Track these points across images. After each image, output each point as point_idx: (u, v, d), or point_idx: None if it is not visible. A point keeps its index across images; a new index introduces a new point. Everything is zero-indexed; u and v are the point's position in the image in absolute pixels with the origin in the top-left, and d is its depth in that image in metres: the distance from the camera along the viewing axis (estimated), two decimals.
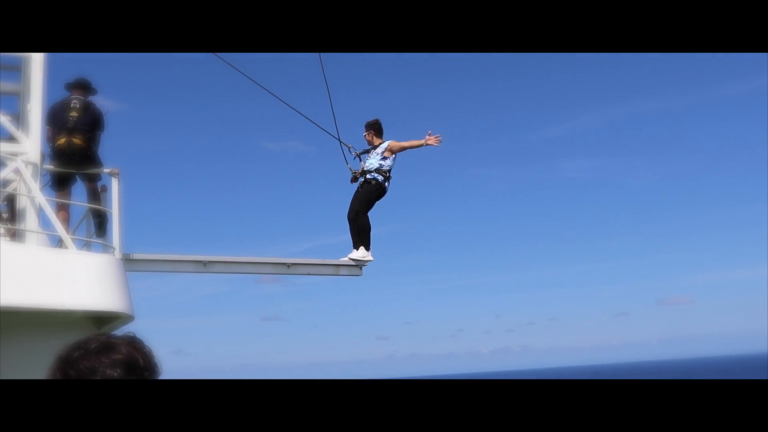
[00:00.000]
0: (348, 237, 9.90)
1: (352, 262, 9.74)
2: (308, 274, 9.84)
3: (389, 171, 9.91)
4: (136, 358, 1.81)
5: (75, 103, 8.37)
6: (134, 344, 1.85)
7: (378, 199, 9.92)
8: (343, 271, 9.82)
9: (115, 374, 1.76)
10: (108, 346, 1.81)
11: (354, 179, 10.09)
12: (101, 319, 7.22)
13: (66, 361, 1.78)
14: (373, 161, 9.94)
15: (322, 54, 10.01)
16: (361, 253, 9.73)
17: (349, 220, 9.84)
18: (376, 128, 10.22)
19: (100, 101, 8.79)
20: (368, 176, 9.85)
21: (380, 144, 10.05)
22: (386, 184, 9.90)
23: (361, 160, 10.17)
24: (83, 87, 8.63)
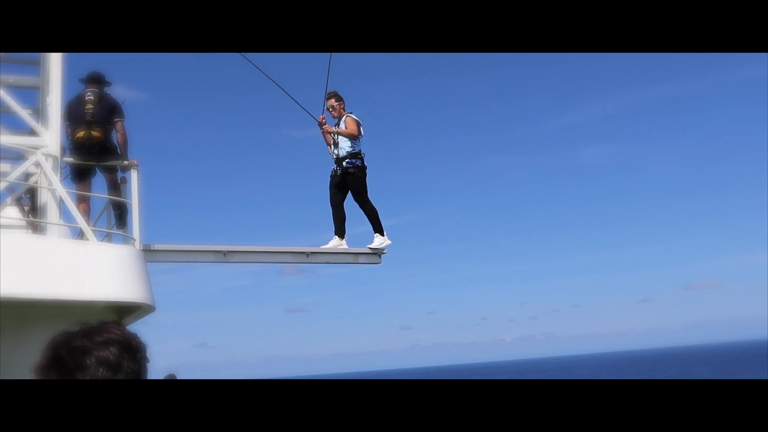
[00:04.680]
0: (369, 227, 9.84)
1: (370, 251, 9.75)
2: (327, 263, 9.87)
3: (361, 150, 9.71)
4: (129, 339, 1.82)
5: (89, 95, 8.46)
6: (124, 328, 1.86)
7: (365, 177, 9.78)
8: (362, 259, 9.85)
9: (110, 354, 1.76)
10: (99, 327, 1.82)
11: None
12: (123, 310, 7.29)
13: (57, 342, 1.78)
14: (343, 146, 9.68)
15: (331, 53, 9.56)
16: (378, 241, 9.72)
17: (332, 205, 9.76)
18: (339, 98, 9.87)
19: (119, 91, 8.86)
20: (345, 163, 9.62)
21: (342, 118, 9.79)
22: (364, 163, 9.73)
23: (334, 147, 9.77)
24: (97, 80, 8.70)
